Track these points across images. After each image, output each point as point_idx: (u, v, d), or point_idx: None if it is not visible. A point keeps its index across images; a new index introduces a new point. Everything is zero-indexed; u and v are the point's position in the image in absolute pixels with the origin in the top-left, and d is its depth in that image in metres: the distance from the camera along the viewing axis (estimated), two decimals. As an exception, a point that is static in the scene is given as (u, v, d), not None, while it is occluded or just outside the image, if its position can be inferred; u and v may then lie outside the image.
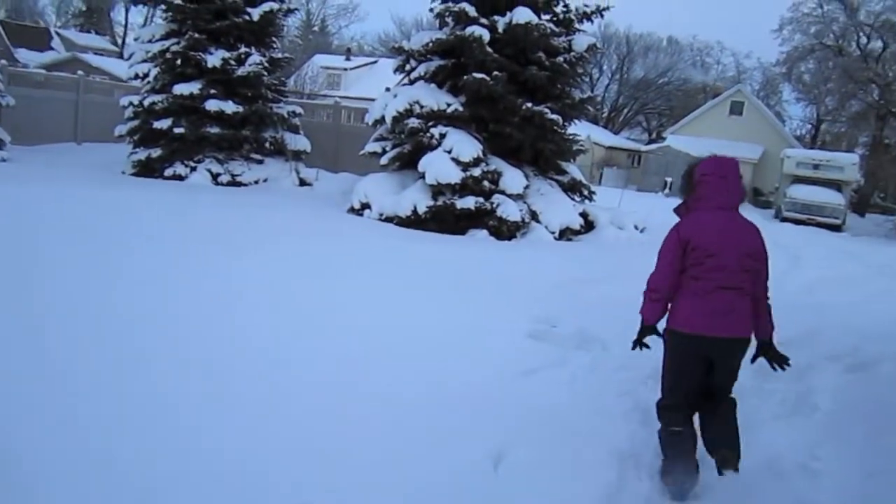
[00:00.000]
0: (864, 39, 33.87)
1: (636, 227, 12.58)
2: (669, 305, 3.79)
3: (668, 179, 28.91)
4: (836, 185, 25.03)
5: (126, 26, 56.51)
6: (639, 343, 3.92)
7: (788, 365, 3.86)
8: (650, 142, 44.42)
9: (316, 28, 61.72)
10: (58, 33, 54.34)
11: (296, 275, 6.55)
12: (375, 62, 45.12)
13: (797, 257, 12.75)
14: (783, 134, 36.25)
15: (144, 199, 10.21)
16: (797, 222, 22.94)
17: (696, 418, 3.74)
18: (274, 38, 15.61)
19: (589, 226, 11.80)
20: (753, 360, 3.88)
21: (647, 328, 3.88)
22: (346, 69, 44.19)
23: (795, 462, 3.85)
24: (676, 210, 4.07)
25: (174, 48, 13.84)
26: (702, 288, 3.64)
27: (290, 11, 15.86)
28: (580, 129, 14.10)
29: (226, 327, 4.87)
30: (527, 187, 11.34)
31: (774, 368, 3.87)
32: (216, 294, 5.58)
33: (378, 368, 4.52)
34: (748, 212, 15.37)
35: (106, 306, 4.95)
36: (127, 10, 55.71)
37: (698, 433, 3.66)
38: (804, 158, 26.53)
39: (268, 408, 3.74)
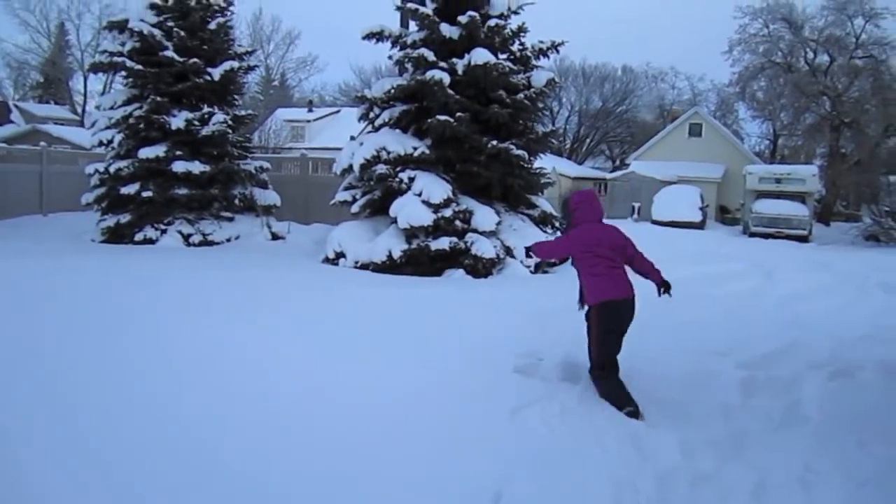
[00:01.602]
0: (810, 55, 34.82)
1: (610, 255, 12.69)
2: (586, 287, 5.34)
3: (636, 205, 29.27)
4: (800, 198, 25.51)
5: (85, 94, 56.44)
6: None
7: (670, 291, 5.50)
8: (614, 169, 45.03)
9: (276, 82, 62.09)
10: (16, 106, 54.05)
11: (273, 335, 6.51)
12: (338, 111, 45.56)
13: (770, 272, 12.93)
14: (743, 151, 36.97)
15: (114, 266, 10.12)
16: (765, 236, 23.30)
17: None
18: (236, 96, 15.69)
19: (563, 258, 11.86)
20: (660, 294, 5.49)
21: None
22: (309, 121, 44.48)
23: (790, 476, 3.87)
24: (564, 231, 5.69)
25: (137, 113, 13.85)
26: (606, 271, 5.22)
27: (250, 69, 15.97)
28: (546, 162, 14.27)
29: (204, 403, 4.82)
30: (499, 223, 11.42)
31: (660, 294, 5.50)
32: (189, 365, 5.52)
33: (366, 413, 4.48)
34: (715, 229, 15.56)
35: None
36: (86, 79, 55.69)
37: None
38: (766, 173, 27.04)
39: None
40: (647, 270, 5.47)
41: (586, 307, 5.41)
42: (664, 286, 5.46)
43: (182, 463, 3.64)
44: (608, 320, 5.14)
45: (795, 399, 5.10)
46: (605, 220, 5.56)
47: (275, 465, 3.66)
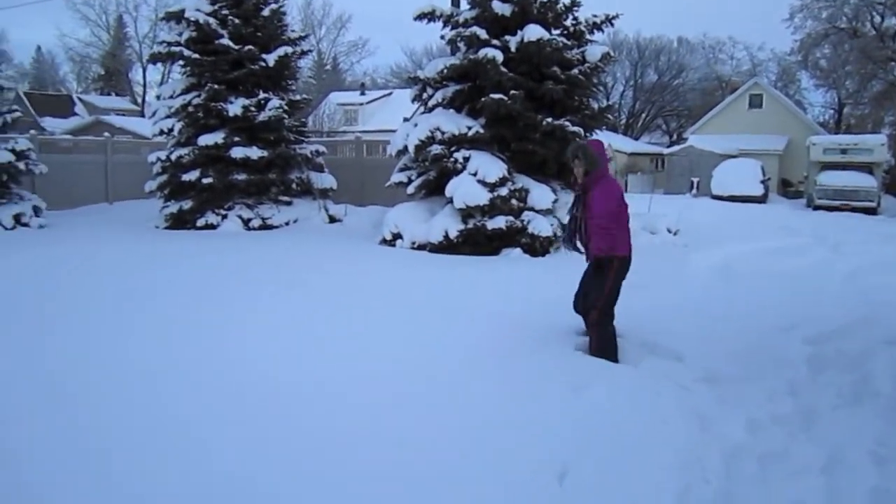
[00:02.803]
0: (878, 18, 33.44)
1: (669, 231, 12.50)
2: (609, 239, 5.23)
3: (695, 179, 28.67)
4: (867, 168, 24.60)
5: (144, 85, 57.88)
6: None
7: None
8: (671, 144, 44.15)
9: (328, 67, 62.58)
10: (80, 99, 55.80)
11: (333, 311, 6.62)
12: (390, 94, 45.59)
13: (837, 245, 12.56)
14: (806, 122, 35.81)
15: (180, 251, 10.42)
16: (831, 209, 22.59)
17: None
18: (290, 81, 15.86)
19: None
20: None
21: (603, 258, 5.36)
22: (362, 104, 44.67)
23: (863, 450, 3.78)
24: (593, 175, 5.38)
25: (195, 101, 14.14)
26: (626, 225, 5.40)
27: (303, 53, 16.10)
28: (601, 139, 14.07)
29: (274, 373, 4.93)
30: (555, 202, 11.32)
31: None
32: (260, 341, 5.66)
33: (430, 391, 4.53)
34: (777, 203, 15.12)
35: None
36: (144, 70, 57.11)
37: None
38: (831, 144, 26.15)
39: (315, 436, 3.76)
40: None
41: (595, 256, 5.39)
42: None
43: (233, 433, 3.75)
44: (624, 272, 5.37)
45: (865, 374, 4.95)
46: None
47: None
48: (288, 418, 4.02)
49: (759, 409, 4.31)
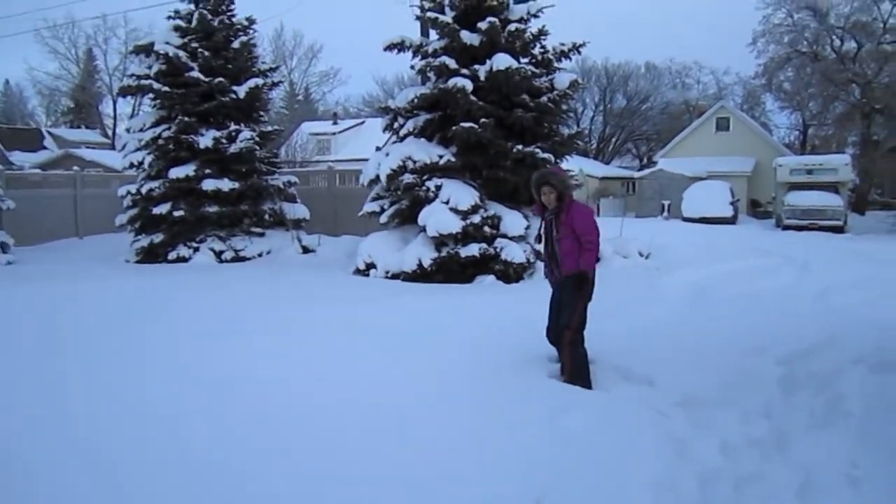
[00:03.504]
0: (837, 42, 34.30)
1: (641, 254, 12.60)
2: (586, 259, 5.40)
3: (665, 202, 29.02)
4: (833, 188, 25.07)
5: (115, 118, 57.34)
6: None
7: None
8: (642, 167, 44.68)
9: (300, 97, 62.67)
10: (49, 132, 55.28)
11: (303, 345, 6.56)
12: (363, 123, 45.79)
13: (806, 264, 12.74)
14: (772, 143, 36.51)
15: (148, 285, 10.30)
16: (799, 228, 22.95)
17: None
18: (262, 113, 15.87)
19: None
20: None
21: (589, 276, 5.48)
22: (334, 133, 44.76)
23: (837, 472, 3.80)
24: (566, 198, 5.58)
25: (166, 133, 14.09)
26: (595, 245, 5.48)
27: (274, 85, 16.16)
28: (572, 164, 14.22)
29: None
30: (527, 228, 11.37)
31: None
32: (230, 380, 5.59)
33: (406, 415, 4.50)
34: (747, 224, 15.32)
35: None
36: (115, 103, 56.64)
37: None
38: (797, 165, 26.65)
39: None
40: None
41: (567, 276, 5.48)
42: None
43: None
44: (592, 289, 5.50)
45: (836, 394, 5.00)
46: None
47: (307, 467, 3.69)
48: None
49: (733, 433, 4.33)
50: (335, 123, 46.80)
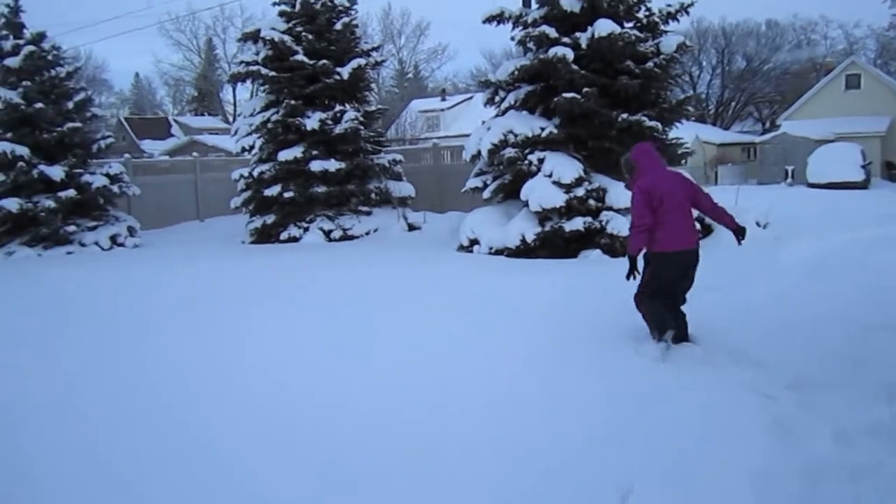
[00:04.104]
0: None
1: (758, 224, 11.91)
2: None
3: (789, 168, 27.41)
4: (981, 146, 22.96)
5: (235, 104, 59.83)
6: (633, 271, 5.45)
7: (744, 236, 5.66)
8: (764, 132, 42.36)
9: (410, 74, 63.18)
10: (175, 121, 58.31)
11: (405, 320, 6.59)
12: (471, 98, 45.56)
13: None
14: (910, 100, 33.70)
15: (262, 265, 10.67)
16: (940, 192, 21.16)
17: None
18: (366, 92, 16.03)
19: (706, 230, 11.26)
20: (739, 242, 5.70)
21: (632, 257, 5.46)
22: (443, 109, 44.85)
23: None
24: (631, 181, 5.65)
25: (274, 118, 14.48)
26: (671, 220, 5.35)
27: (377, 64, 16.29)
28: (686, 131, 13.58)
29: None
30: (635, 200, 10.98)
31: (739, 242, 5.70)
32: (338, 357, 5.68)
33: (492, 401, 4.42)
34: (881, 188, 14.24)
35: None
36: (234, 89, 59.13)
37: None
38: (938, 122, 24.52)
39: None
40: (720, 215, 5.64)
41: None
42: (740, 232, 5.63)
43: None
44: (669, 267, 5.41)
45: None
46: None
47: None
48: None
49: (850, 419, 3.97)
50: (443, 100, 46.89)
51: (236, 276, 9.85)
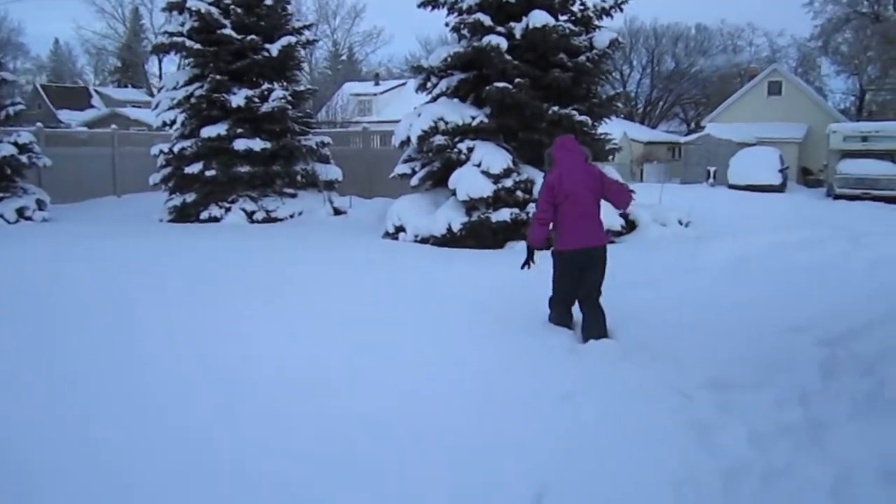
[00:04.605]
0: (900, 2, 32.71)
1: (680, 222, 12.12)
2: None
3: (711, 169, 28.10)
4: (889, 156, 23.95)
5: (161, 77, 57.79)
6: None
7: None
8: (689, 132, 43.41)
9: (344, 57, 62.31)
10: (97, 91, 56.11)
11: (317, 309, 6.37)
12: (404, 84, 45.13)
13: (857, 236, 12.10)
14: (826, 109, 35.01)
15: (175, 246, 10.22)
16: (852, 198, 22.00)
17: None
18: (296, 72, 15.61)
19: (630, 226, 11.38)
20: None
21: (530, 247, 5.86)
22: (375, 94, 44.42)
23: (875, 470, 3.45)
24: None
25: (198, 92, 13.93)
26: (571, 218, 5.57)
27: (309, 43, 15.88)
28: (615, 128, 13.69)
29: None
30: (562, 193, 10.99)
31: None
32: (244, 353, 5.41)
33: (408, 398, 4.26)
34: (796, 192, 14.60)
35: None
36: (160, 62, 57.12)
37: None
38: (852, 132, 25.49)
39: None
40: (623, 197, 5.91)
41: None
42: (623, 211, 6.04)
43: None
44: (568, 267, 5.65)
45: (881, 380, 4.59)
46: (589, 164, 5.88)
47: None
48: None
49: (764, 419, 3.99)
50: (377, 84, 46.44)
51: (146, 254, 9.38)
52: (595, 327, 5.48)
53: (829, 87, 46.74)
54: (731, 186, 25.48)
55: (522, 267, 5.82)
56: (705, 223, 12.66)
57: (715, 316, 6.23)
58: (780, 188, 25.24)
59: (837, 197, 22.73)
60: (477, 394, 4.32)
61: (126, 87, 58.51)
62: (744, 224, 13.38)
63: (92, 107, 52.54)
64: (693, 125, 48.57)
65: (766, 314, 6.33)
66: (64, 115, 48.89)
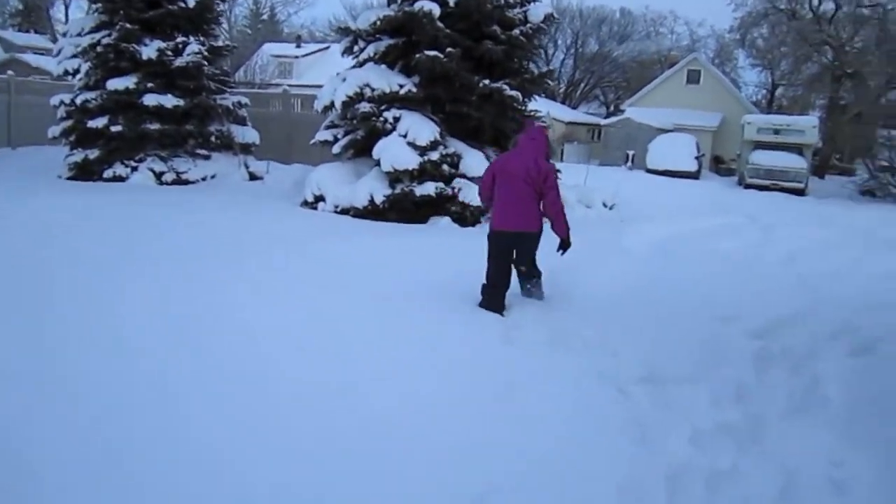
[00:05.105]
0: (815, 2, 33.67)
1: (605, 205, 12.08)
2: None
3: (630, 153, 28.49)
4: (798, 149, 24.79)
5: (67, 23, 54.36)
6: None
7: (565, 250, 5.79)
8: (609, 115, 43.97)
9: (265, 17, 60.16)
10: (-6, 34, 52.29)
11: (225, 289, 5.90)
12: (327, 48, 43.95)
13: (770, 226, 12.37)
14: (741, 100, 36.06)
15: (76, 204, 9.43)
16: (761, 188, 22.69)
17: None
18: (213, 26, 14.73)
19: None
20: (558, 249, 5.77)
21: None
22: (297, 56, 43.03)
23: (819, 473, 3.33)
24: None
25: (105, 41, 12.94)
26: (501, 199, 5.75)
27: (228, -4, 14.97)
28: (539, 106, 13.50)
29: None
30: (489, 169, 10.71)
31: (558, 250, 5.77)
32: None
33: (323, 394, 3.88)
34: (710, 180, 14.74)
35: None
36: (66, 7, 53.74)
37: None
38: (765, 124, 26.25)
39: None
40: (554, 218, 5.71)
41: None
42: (564, 246, 5.77)
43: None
44: (492, 246, 5.77)
45: (814, 376, 4.53)
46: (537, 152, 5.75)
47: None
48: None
49: (704, 417, 3.83)
50: (298, 46, 44.99)
51: (39, 212, 8.62)
52: (535, 290, 5.85)
53: (743, 79, 48.21)
54: (649, 171, 25.87)
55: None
56: (627, 206, 12.67)
57: (645, 304, 6.08)
58: (695, 175, 25.81)
59: (748, 186, 23.40)
60: (412, 390, 3.97)
61: (28, 31, 54.77)
62: (663, 208, 13.49)
63: (-12, 51, 49.04)
64: (613, 108, 49.30)
65: (693, 303, 6.23)
66: (-44, 57, 45.46)
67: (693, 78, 35.05)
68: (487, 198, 5.99)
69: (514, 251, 5.74)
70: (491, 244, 5.76)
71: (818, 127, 27.11)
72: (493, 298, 5.62)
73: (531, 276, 5.87)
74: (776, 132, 25.49)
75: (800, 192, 22.61)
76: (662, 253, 8.58)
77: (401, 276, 6.49)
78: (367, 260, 7.19)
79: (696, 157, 26.29)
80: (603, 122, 35.53)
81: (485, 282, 5.69)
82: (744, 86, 46.82)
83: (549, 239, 5.71)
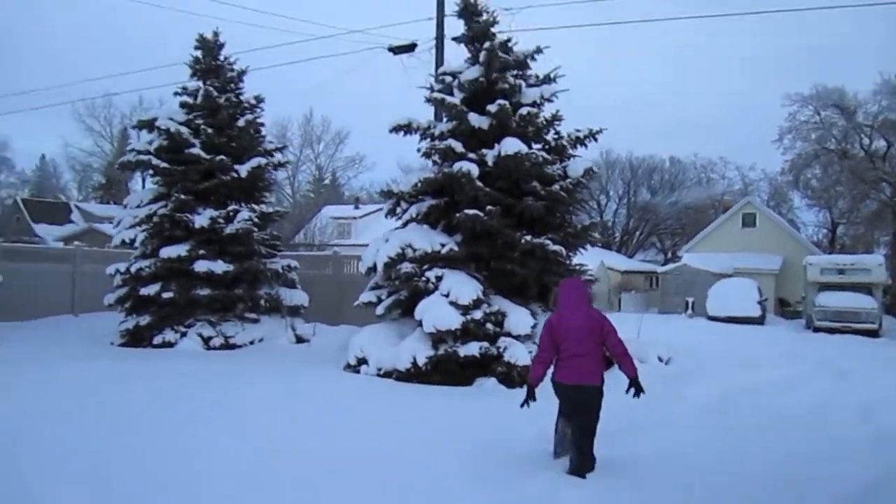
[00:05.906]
0: (866, 140, 33.62)
1: (660, 359, 11.51)
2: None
3: (690, 299, 27.80)
4: (866, 289, 23.83)
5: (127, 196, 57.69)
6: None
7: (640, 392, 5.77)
8: (666, 262, 43.62)
9: (327, 181, 62.94)
10: (77, 206, 55.91)
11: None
12: (383, 208, 45.36)
13: (843, 373, 11.55)
14: (800, 241, 35.37)
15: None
16: (831, 331, 21.66)
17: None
18: (265, 193, 15.27)
19: (607, 363, 10.73)
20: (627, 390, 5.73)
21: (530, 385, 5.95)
22: (355, 217, 44.43)
23: None
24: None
25: (161, 211, 13.47)
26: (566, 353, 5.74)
27: (279, 165, 15.58)
28: (592, 257, 13.30)
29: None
30: (535, 326, 10.35)
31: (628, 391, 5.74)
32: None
33: None
34: (775, 324, 14.10)
35: None
36: (143, 180, 57.30)
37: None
38: (828, 264, 25.50)
39: None
40: (620, 359, 5.82)
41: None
42: (635, 385, 5.77)
43: None
44: (560, 398, 5.84)
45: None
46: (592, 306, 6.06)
47: None
48: None
49: None
50: (356, 208, 46.60)
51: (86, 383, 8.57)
52: (572, 465, 5.57)
53: (801, 219, 47.58)
54: (711, 318, 25.10)
55: (522, 405, 5.89)
56: (686, 358, 12.07)
57: (700, 473, 5.50)
58: (759, 320, 24.90)
59: (817, 329, 22.40)
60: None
61: (108, 203, 58.39)
62: (726, 360, 12.80)
63: (71, 222, 52.21)
64: (670, 255, 48.97)
65: (757, 472, 5.61)
66: (42, 229, 48.48)
67: (749, 221, 34.70)
68: (549, 361, 5.86)
69: (578, 407, 5.69)
70: (558, 394, 5.79)
71: (884, 264, 26.16)
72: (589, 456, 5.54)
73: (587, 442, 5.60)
74: (841, 272, 24.67)
75: (873, 333, 21.51)
76: (720, 411, 7.99)
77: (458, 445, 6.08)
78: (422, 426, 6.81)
79: (759, 302, 25.47)
80: (660, 269, 35.14)
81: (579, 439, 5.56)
82: (803, 226, 46.22)
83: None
